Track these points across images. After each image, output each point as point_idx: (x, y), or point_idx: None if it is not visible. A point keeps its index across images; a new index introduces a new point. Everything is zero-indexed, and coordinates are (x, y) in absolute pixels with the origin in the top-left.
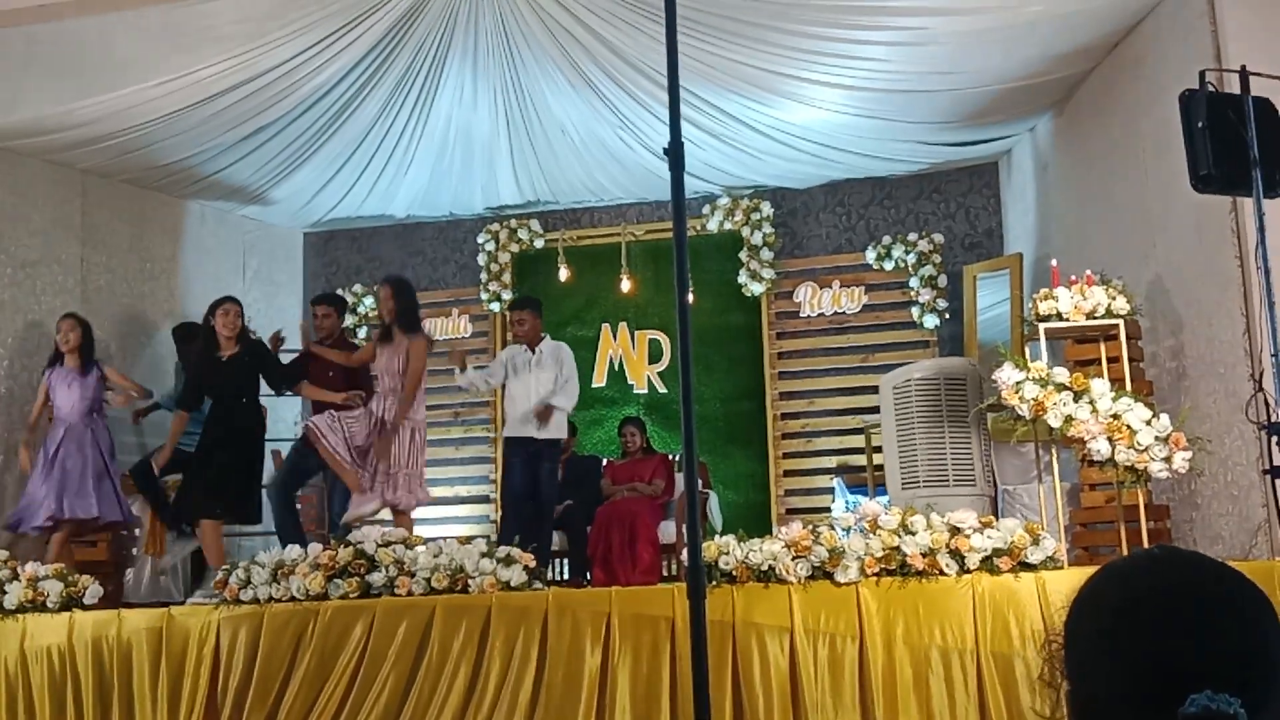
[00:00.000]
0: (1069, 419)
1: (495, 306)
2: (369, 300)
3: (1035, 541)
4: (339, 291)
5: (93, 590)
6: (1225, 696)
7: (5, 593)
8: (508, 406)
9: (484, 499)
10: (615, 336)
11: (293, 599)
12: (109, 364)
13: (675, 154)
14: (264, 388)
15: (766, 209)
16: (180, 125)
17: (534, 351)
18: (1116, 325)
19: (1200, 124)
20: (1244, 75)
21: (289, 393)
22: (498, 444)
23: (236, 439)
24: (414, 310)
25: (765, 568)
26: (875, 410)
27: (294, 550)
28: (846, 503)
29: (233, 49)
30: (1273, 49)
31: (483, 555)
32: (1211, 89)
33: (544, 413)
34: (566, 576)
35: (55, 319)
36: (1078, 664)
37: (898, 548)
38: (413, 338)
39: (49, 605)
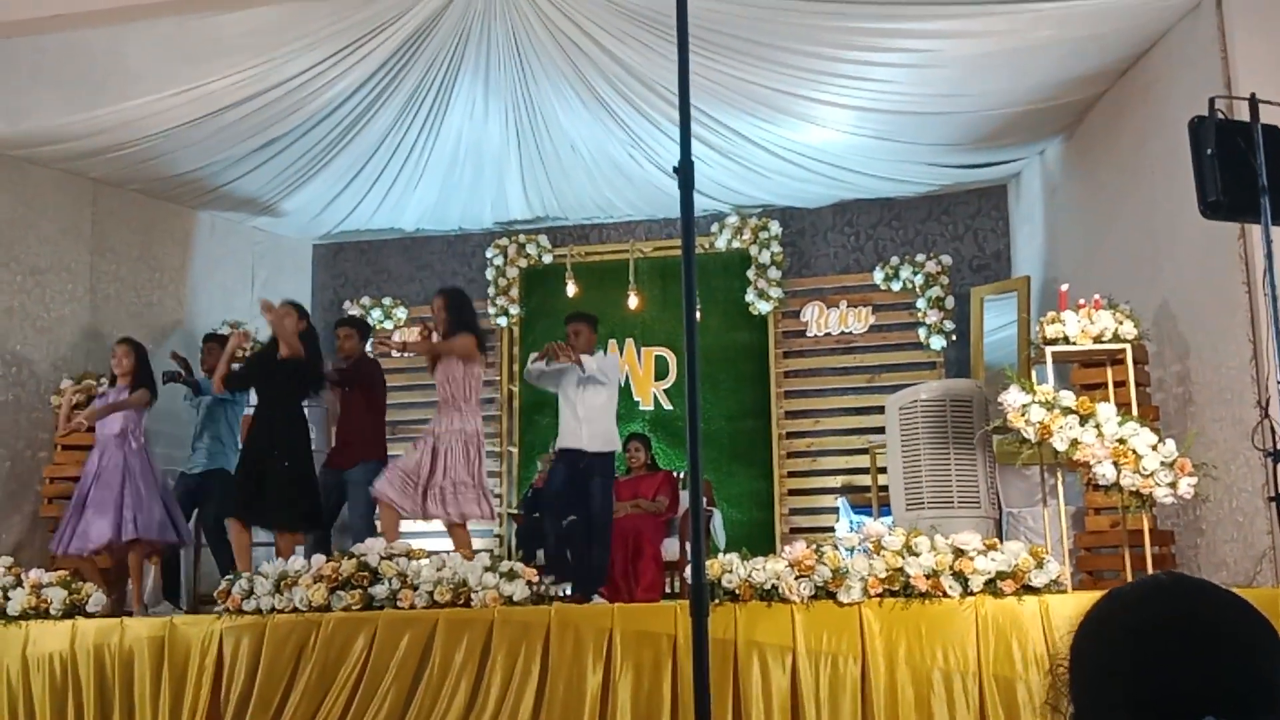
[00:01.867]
0: (1075, 442)
1: (503, 321)
2: (376, 313)
3: (1039, 565)
4: (346, 304)
5: (96, 598)
6: None
7: (9, 599)
8: (561, 417)
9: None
10: (622, 353)
11: (295, 610)
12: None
13: (685, 172)
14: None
15: (775, 228)
16: (191, 136)
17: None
18: (1123, 349)
19: (1209, 151)
20: (1254, 103)
21: (312, 398)
22: (503, 458)
23: (299, 446)
24: (468, 319)
25: (768, 587)
26: (880, 430)
27: (298, 561)
28: (850, 523)
29: (244, 62)
30: None
31: (486, 569)
32: (1221, 116)
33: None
34: (569, 592)
35: (64, 325)
36: (1082, 687)
37: (901, 569)
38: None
39: (52, 612)
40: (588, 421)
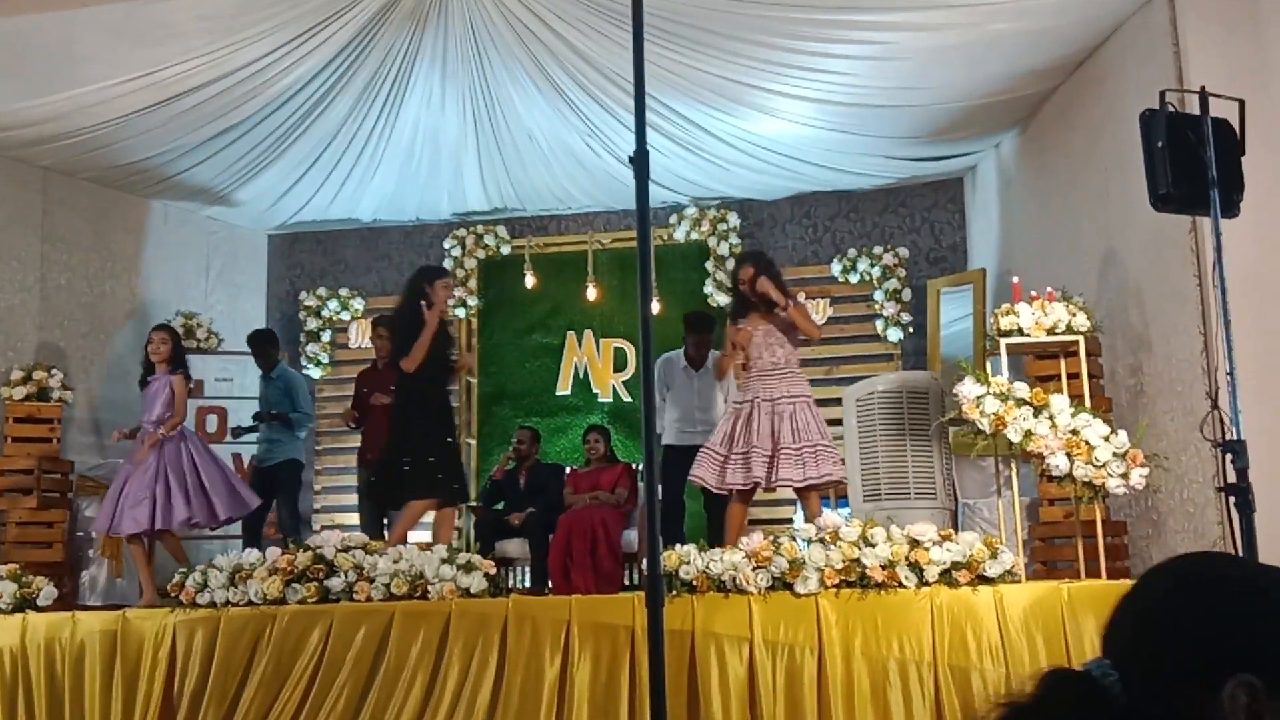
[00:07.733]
0: (1028, 434)
1: (461, 312)
2: (333, 304)
3: (994, 555)
4: (303, 295)
5: (47, 591)
6: (1106, 661)
7: None
8: (670, 413)
9: None
10: (580, 344)
11: (250, 603)
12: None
13: (640, 162)
14: None
15: (733, 220)
16: (144, 124)
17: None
18: (1076, 342)
19: (1160, 144)
20: (1204, 96)
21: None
22: (462, 450)
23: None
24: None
25: (725, 578)
26: (838, 422)
27: (252, 554)
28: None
29: (197, 48)
30: (1232, 71)
31: (443, 561)
32: (1172, 109)
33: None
34: (528, 585)
35: (14, 315)
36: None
37: (857, 560)
38: (794, 304)
39: (2, 606)
40: (704, 411)
